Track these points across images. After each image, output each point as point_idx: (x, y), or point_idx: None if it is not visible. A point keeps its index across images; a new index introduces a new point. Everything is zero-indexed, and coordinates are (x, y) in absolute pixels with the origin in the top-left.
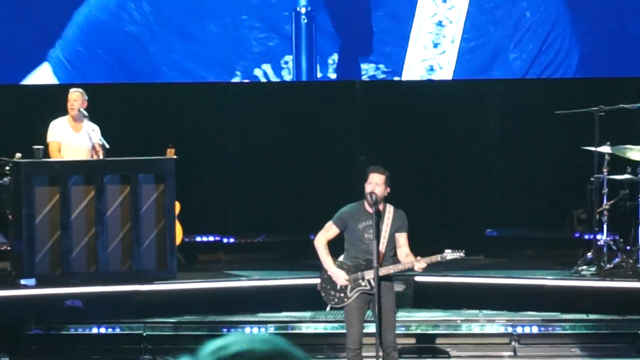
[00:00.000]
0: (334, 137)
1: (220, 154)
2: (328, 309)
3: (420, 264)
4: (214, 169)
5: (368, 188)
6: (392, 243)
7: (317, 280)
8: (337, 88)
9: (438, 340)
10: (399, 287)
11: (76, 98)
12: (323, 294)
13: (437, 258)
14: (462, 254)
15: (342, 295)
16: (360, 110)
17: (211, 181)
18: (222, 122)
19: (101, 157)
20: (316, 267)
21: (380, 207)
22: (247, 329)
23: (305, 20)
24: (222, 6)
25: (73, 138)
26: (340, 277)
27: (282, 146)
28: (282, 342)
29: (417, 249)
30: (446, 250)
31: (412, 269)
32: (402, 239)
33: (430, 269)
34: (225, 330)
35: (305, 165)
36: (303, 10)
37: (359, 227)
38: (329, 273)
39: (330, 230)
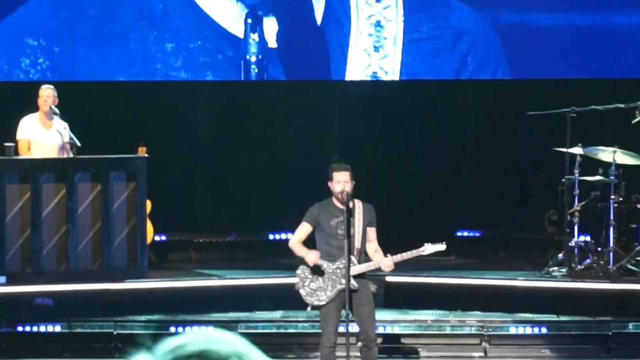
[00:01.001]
0: (306, 136)
1: (192, 153)
2: (309, 309)
3: (387, 262)
4: (185, 168)
5: (337, 187)
6: (364, 238)
7: (291, 280)
8: (309, 87)
9: (409, 341)
10: (370, 287)
11: (49, 94)
12: (302, 294)
13: (413, 253)
14: (442, 246)
15: (322, 294)
16: (335, 110)
17: (182, 180)
18: (193, 121)
19: (72, 155)
20: (287, 266)
21: (350, 203)
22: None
23: (256, 70)
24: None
25: (43, 135)
26: (316, 261)
27: (254, 145)
28: (241, 343)
29: (387, 250)
30: (425, 244)
31: (380, 269)
32: (372, 233)
33: (400, 269)
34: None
35: (278, 165)
36: (253, 58)
37: (331, 224)
38: (307, 260)
39: (302, 229)
